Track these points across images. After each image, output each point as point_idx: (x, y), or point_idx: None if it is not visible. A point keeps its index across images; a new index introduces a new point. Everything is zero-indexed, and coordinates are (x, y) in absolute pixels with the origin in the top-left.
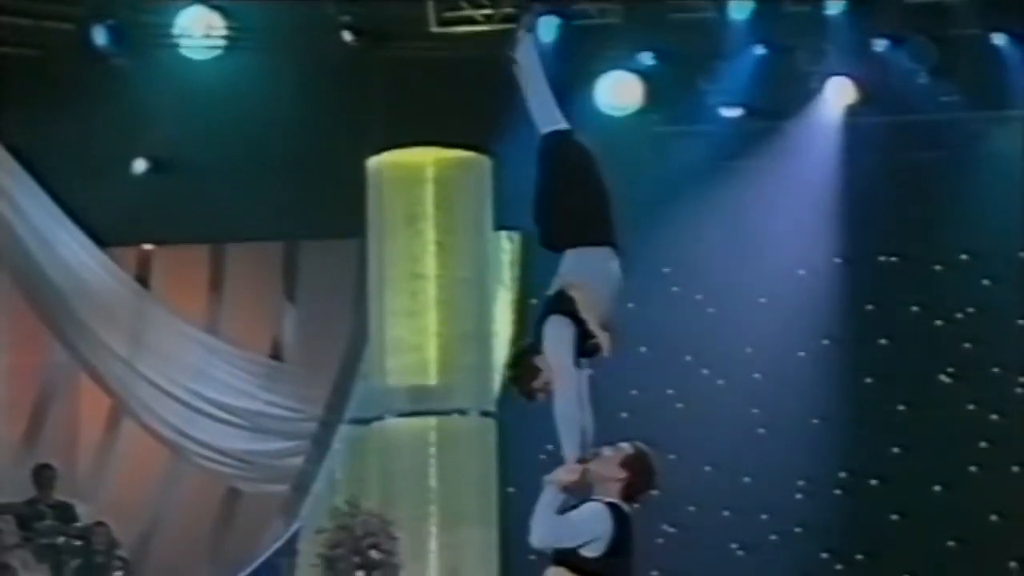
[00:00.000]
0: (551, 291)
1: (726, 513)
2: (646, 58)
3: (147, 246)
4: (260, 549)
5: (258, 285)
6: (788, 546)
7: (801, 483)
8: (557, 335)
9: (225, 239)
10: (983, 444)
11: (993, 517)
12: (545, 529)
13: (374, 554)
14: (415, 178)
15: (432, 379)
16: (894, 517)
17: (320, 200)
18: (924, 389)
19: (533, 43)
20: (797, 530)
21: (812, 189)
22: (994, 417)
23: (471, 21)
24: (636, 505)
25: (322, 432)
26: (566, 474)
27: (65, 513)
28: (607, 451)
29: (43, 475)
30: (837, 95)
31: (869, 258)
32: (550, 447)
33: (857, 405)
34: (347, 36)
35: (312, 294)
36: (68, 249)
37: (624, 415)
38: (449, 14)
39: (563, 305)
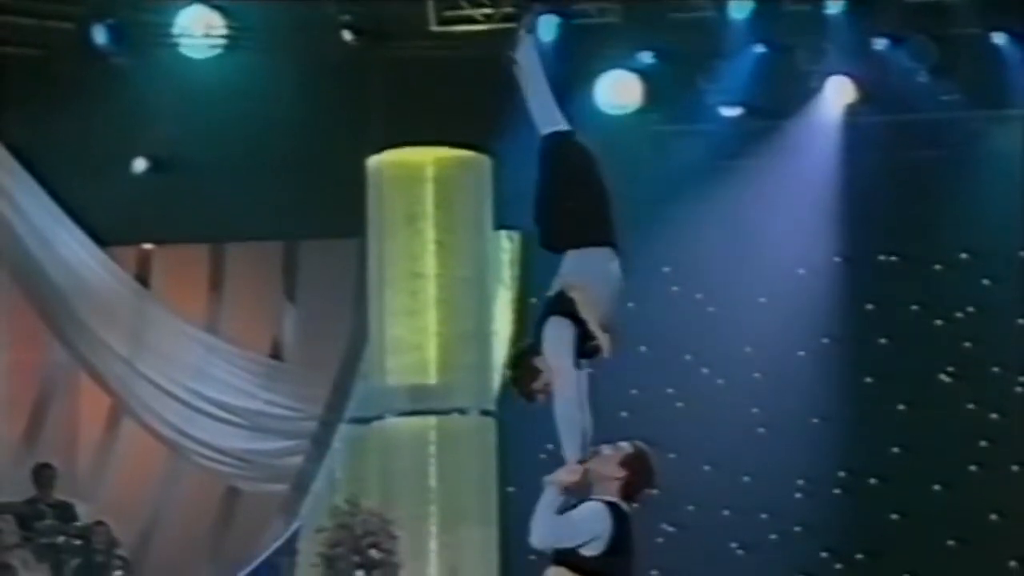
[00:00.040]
0: (551, 292)
1: (726, 512)
2: (646, 57)
3: (147, 245)
4: (260, 548)
5: (258, 284)
6: (788, 545)
7: (801, 482)
8: (557, 336)
9: (225, 238)
10: (983, 443)
11: (993, 516)
12: (545, 529)
13: (374, 553)
14: (415, 177)
15: (432, 378)
16: (894, 516)
17: (320, 199)
18: (924, 388)
19: (533, 44)
20: (797, 529)
21: (812, 188)
22: (994, 416)
23: (471, 20)
24: (635, 504)
25: (322, 431)
26: (567, 475)
27: (65, 512)
28: (606, 450)
29: (43, 474)
30: (837, 94)
31: (869, 257)
32: (550, 446)
33: (857, 404)
34: (347, 35)
35: (312, 293)
36: (68, 248)
37: (624, 414)
38: (449, 13)
39: (563, 306)
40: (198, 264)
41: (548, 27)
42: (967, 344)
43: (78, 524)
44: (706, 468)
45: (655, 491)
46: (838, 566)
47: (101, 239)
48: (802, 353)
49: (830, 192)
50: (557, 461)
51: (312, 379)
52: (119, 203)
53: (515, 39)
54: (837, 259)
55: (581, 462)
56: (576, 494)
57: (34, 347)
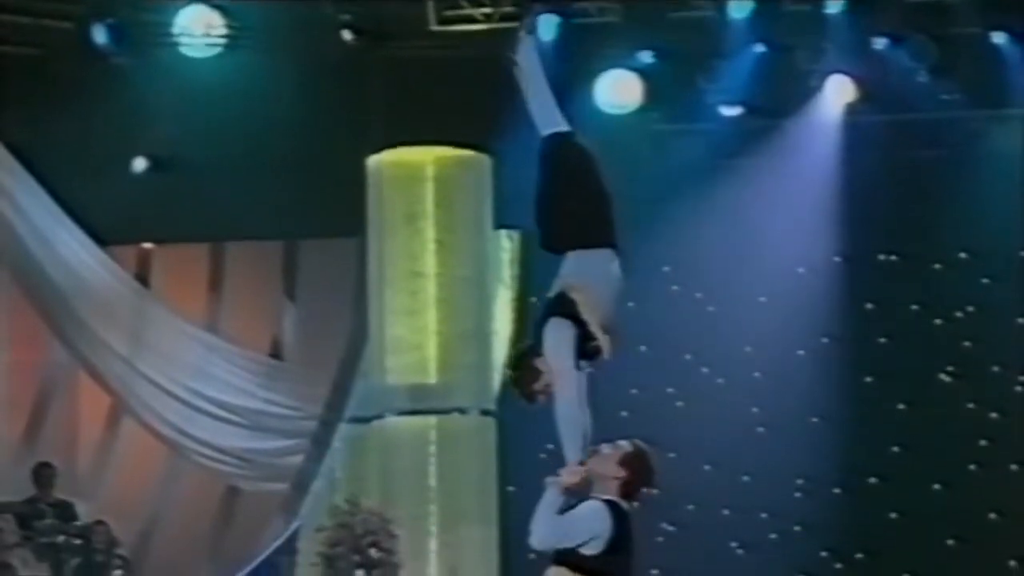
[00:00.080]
0: (551, 293)
1: (726, 512)
2: (646, 56)
3: (147, 245)
4: (260, 547)
5: (258, 284)
6: (788, 545)
7: (801, 482)
8: (558, 337)
9: (225, 238)
10: (983, 443)
11: (993, 516)
12: (545, 530)
13: (374, 553)
14: (415, 177)
15: (432, 377)
16: (894, 516)
17: (320, 199)
18: (924, 388)
19: (534, 45)
20: (797, 529)
21: (812, 187)
22: (994, 416)
23: (471, 20)
24: (635, 504)
25: (322, 430)
26: (568, 476)
27: (65, 512)
28: (606, 449)
29: (43, 473)
30: (837, 93)
31: (869, 256)
32: (550, 446)
33: (857, 404)
34: (347, 35)
35: (312, 293)
36: (68, 248)
37: (624, 414)
38: (449, 13)
39: (564, 307)
40: (198, 263)
41: (548, 26)
42: (967, 343)
43: (78, 523)
44: (706, 467)
45: (655, 490)
46: (838, 565)
47: (101, 238)
48: (802, 352)
49: (830, 191)
50: (557, 461)
51: (312, 378)
52: (119, 202)
53: (515, 40)
54: (837, 258)
55: (582, 463)
56: (576, 494)
57: (34, 346)
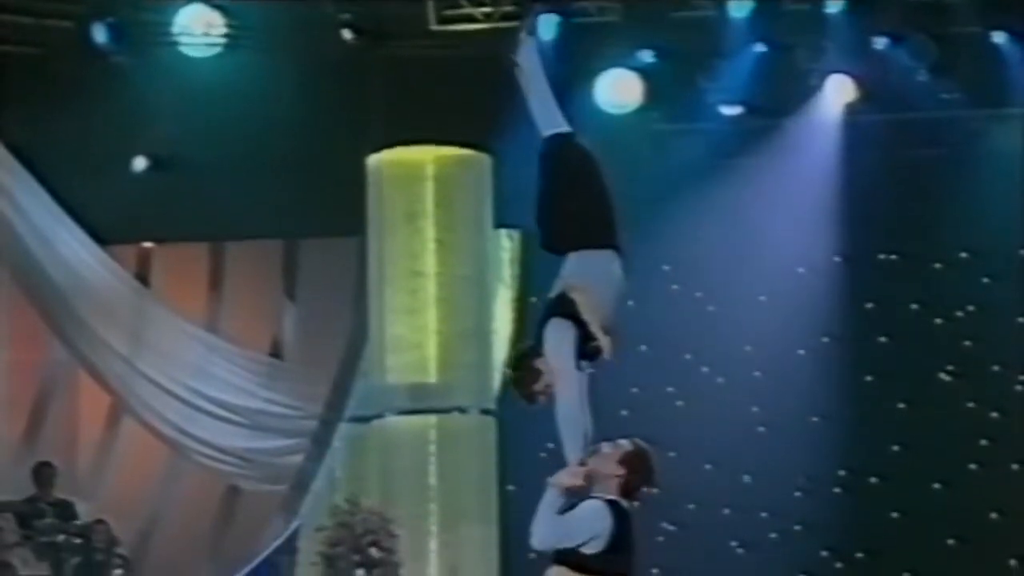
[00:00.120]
0: (552, 293)
1: (726, 511)
2: (646, 56)
3: (147, 244)
4: (260, 547)
5: (258, 283)
6: (788, 544)
7: (801, 481)
8: (558, 338)
9: (225, 237)
10: (983, 442)
11: (993, 515)
12: (546, 530)
13: (374, 552)
14: (415, 176)
15: (432, 377)
16: (894, 515)
17: (320, 198)
18: (924, 387)
19: (535, 46)
20: (797, 528)
21: (812, 187)
22: (994, 415)
23: (471, 19)
24: (636, 503)
25: (322, 430)
26: (568, 477)
27: (65, 511)
28: (606, 448)
29: (43, 473)
30: (837, 93)
31: (869, 256)
32: (550, 445)
33: (857, 403)
34: (347, 34)
35: (312, 292)
36: (68, 247)
37: (624, 413)
38: (449, 12)
39: (564, 307)
40: (198, 263)
41: (548, 26)
42: (967, 343)
43: (78, 523)
44: (706, 467)
45: (655, 490)
46: (838, 565)
47: (101, 238)
48: (802, 352)
49: (830, 191)
50: (557, 460)
51: (312, 377)
52: (119, 202)
53: (516, 41)
54: (837, 258)
55: (583, 464)
56: (577, 494)
57: (34, 346)
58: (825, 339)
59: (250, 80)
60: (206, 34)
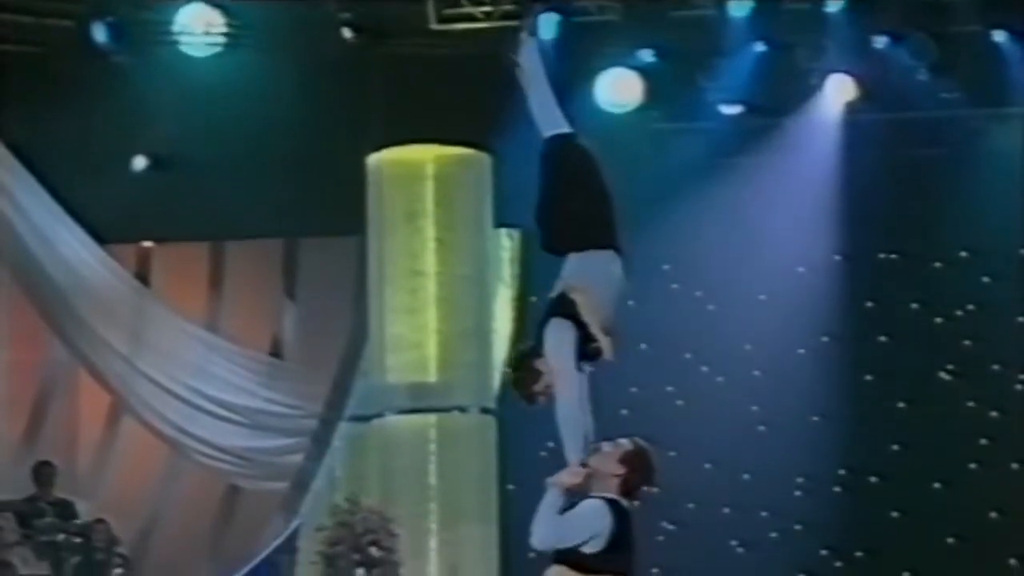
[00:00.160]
0: (552, 294)
1: (726, 510)
2: (646, 55)
3: (147, 243)
4: (260, 546)
5: (258, 282)
6: (788, 543)
7: (801, 480)
8: (559, 338)
9: (225, 236)
10: (983, 441)
11: (993, 514)
12: (546, 530)
13: (374, 551)
14: (415, 175)
15: (432, 376)
16: (894, 514)
17: (320, 197)
18: (924, 386)
19: (535, 46)
20: (797, 527)
21: (812, 186)
22: (994, 414)
23: (471, 18)
24: (636, 502)
25: (322, 429)
26: (569, 477)
27: (65, 510)
28: (606, 446)
29: (43, 472)
30: (837, 92)
31: (869, 255)
32: (550, 444)
33: (857, 402)
34: (347, 34)
35: (312, 291)
36: (68, 246)
37: (624, 412)
38: (449, 11)
39: (564, 308)
40: (198, 262)
41: (548, 25)
42: (967, 342)
43: (78, 522)
44: (706, 466)
45: (655, 489)
46: (838, 564)
47: (101, 237)
48: (802, 351)
49: (830, 190)
50: (557, 459)
51: (312, 377)
52: (119, 201)
53: (517, 41)
54: (837, 257)
55: (583, 464)
56: (577, 493)
57: (34, 345)
58: (825, 338)
59: (250, 79)
60: (206, 33)
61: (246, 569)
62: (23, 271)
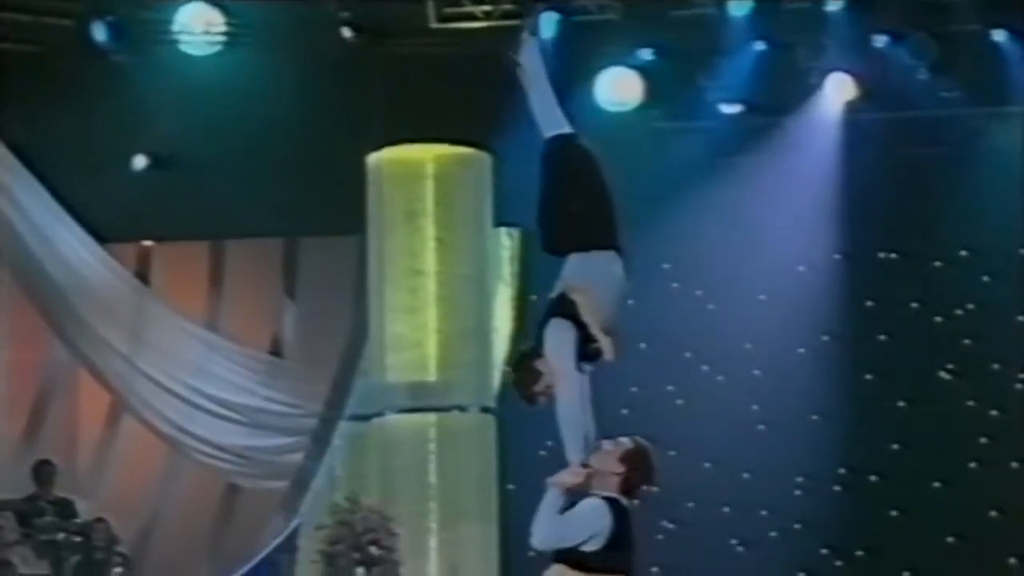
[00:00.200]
0: (553, 294)
1: (726, 509)
2: (646, 54)
3: (147, 242)
4: (260, 545)
5: (258, 281)
6: (788, 542)
7: (801, 479)
8: (559, 338)
9: (225, 235)
10: (983, 440)
11: (993, 513)
12: (547, 530)
13: (374, 550)
14: (415, 174)
15: (432, 375)
16: (894, 513)
17: (320, 196)
18: (924, 385)
19: (537, 46)
20: (797, 526)
21: (812, 185)
22: (994, 413)
23: (471, 18)
24: (636, 501)
25: (322, 428)
26: (570, 477)
27: (65, 509)
28: (606, 445)
29: (43, 471)
30: (837, 91)
31: (869, 254)
32: (550, 443)
33: (857, 401)
34: (347, 33)
35: (312, 290)
36: (68, 245)
37: (624, 411)
38: (449, 10)
39: (564, 308)
40: (198, 261)
41: (548, 24)
42: (967, 341)
43: (78, 521)
44: (706, 465)
45: (655, 488)
46: (838, 563)
47: (101, 236)
48: (802, 350)
49: (830, 189)
50: (557, 458)
51: (312, 376)
52: (119, 200)
53: (518, 41)
54: (837, 256)
55: (584, 464)
56: (577, 492)
57: (34, 344)
58: (825, 337)
59: (250, 78)
60: (206, 32)
61: (246, 568)
62: (23, 270)
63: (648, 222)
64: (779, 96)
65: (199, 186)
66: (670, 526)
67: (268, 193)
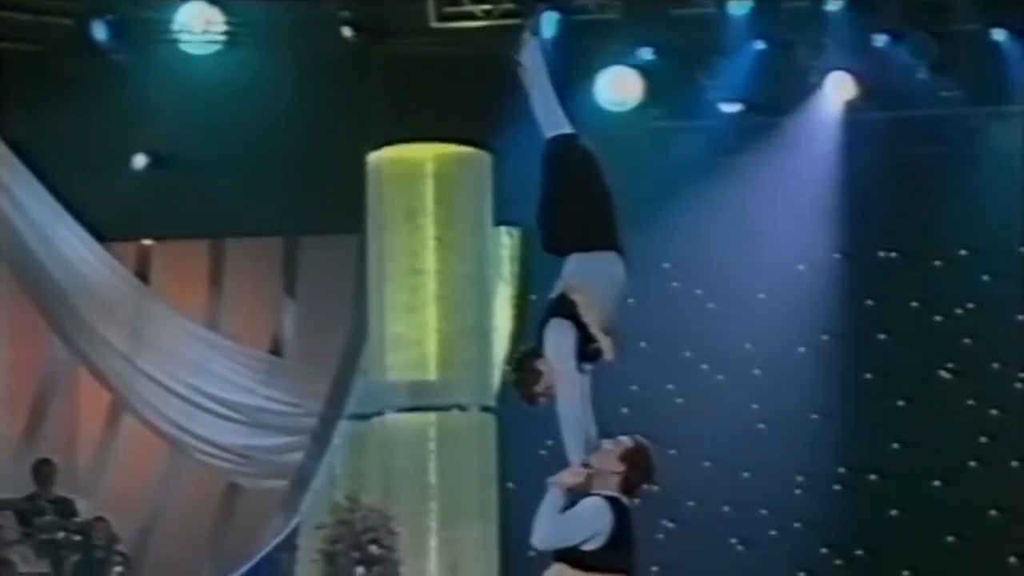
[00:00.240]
0: (553, 294)
1: (726, 508)
2: (646, 53)
3: (147, 241)
4: (260, 544)
5: (258, 280)
6: (788, 541)
7: (800, 478)
8: (559, 338)
9: (225, 234)
10: (983, 439)
11: (993, 512)
12: (548, 529)
13: (374, 549)
14: (415, 174)
15: (432, 374)
16: (894, 513)
17: (320, 196)
18: (924, 385)
19: (538, 46)
20: (797, 525)
21: (812, 184)
22: (994, 412)
23: (471, 17)
24: (636, 500)
25: (322, 427)
26: (570, 476)
27: (65, 508)
28: (606, 444)
29: (43, 470)
30: (837, 90)
31: (869, 254)
32: (550, 442)
33: (857, 401)
34: (347, 32)
35: (312, 290)
36: (68, 244)
37: (624, 411)
38: (449, 10)
39: (564, 308)
40: (198, 260)
41: (548, 23)
42: (967, 340)
43: (78, 520)
44: (706, 464)
45: (655, 487)
46: (838, 562)
47: (101, 235)
48: (802, 349)
49: (830, 188)
50: (557, 457)
51: (312, 375)
52: (119, 199)
53: (520, 41)
54: (837, 255)
55: (584, 464)
56: (578, 492)
57: (34, 343)
58: (825, 336)
59: (250, 77)
60: (206, 31)
61: (246, 567)
62: (23, 269)
63: (648, 221)
64: (779, 95)
65: (199, 185)
66: (670, 525)
67: (268, 192)
